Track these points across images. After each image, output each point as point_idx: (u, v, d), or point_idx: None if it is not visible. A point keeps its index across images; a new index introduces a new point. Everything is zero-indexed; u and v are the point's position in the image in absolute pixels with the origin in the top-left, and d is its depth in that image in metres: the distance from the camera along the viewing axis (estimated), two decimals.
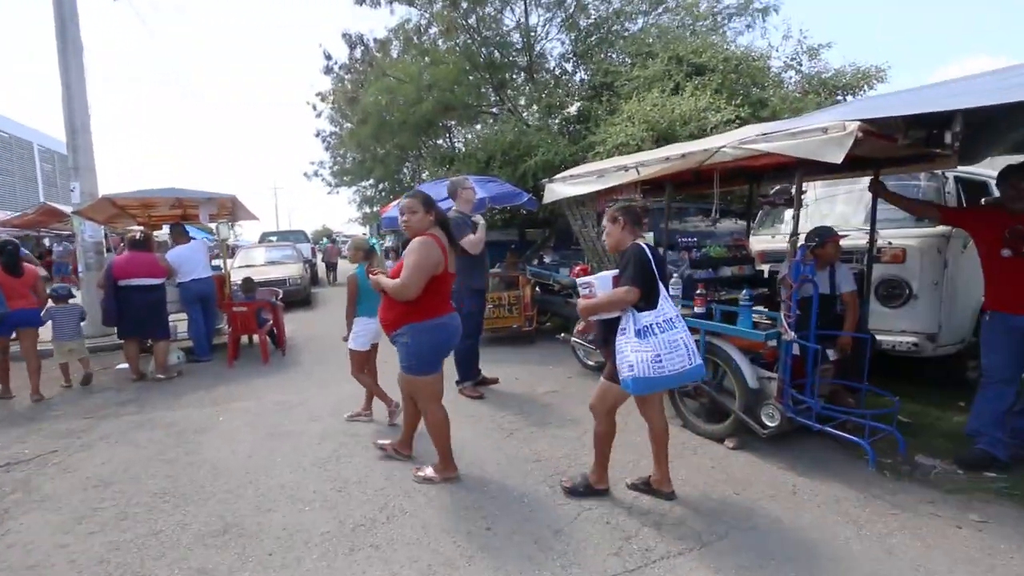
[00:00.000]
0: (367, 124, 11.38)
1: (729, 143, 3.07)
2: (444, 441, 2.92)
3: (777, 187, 5.35)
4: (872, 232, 3.65)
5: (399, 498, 2.78)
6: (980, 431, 3.05)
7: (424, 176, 15.77)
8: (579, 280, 2.65)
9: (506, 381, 4.87)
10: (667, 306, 2.46)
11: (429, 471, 2.95)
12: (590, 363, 5.20)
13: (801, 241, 3.15)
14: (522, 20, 10.37)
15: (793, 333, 2.98)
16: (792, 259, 3.01)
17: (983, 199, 4.32)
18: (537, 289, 6.90)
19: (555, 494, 2.79)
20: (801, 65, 8.23)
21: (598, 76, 8.72)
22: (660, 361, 2.36)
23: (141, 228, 6.46)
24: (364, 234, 25.14)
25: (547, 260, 7.53)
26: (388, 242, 16.59)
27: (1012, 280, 2.98)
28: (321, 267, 18.16)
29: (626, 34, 10.03)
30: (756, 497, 2.71)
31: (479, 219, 4.38)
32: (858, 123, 2.51)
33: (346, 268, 16.70)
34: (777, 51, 8.42)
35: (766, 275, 4.45)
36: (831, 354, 3.33)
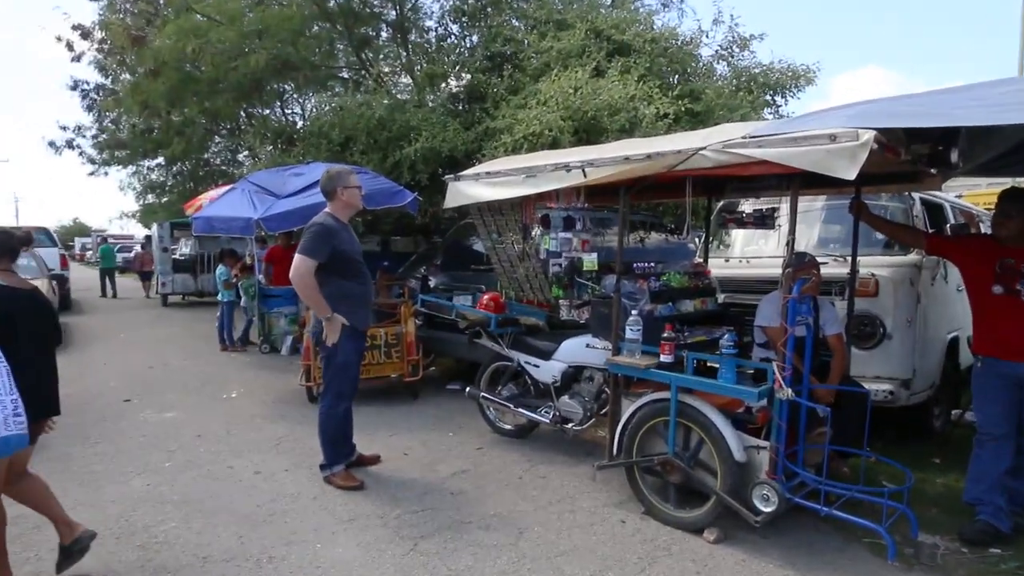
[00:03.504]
0: (160, 78, 10.15)
1: (710, 145, 3.06)
2: None
3: (723, 202, 5.69)
4: (854, 261, 3.92)
5: None
6: (980, 499, 3.35)
7: (243, 158, 14.55)
8: None
9: (392, 458, 4.42)
10: None
11: None
12: (505, 426, 4.94)
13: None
14: None
15: (790, 390, 3.01)
16: (787, 296, 3.06)
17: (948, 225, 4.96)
18: (418, 321, 6.52)
19: None
20: (732, 56, 9.03)
21: (495, 43, 8.70)
22: None
23: None
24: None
25: (431, 283, 7.18)
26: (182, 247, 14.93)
27: (1004, 321, 3.33)
28: (82, 282, 16.65)
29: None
30: None
31: None
32: (873, 132, 2.61)
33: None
34: (708, 36, 9.15)
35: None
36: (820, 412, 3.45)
